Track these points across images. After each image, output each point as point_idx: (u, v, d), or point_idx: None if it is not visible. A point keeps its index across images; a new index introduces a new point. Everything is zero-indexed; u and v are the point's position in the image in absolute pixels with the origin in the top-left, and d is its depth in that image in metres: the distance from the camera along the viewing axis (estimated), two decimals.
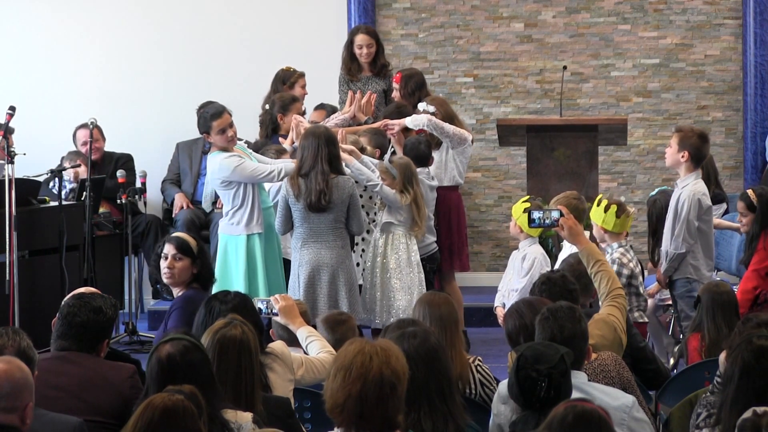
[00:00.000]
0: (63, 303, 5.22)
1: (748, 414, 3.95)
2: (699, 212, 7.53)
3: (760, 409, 3.97)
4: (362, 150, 8.36)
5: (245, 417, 4.39)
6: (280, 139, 8.66)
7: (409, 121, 8.82)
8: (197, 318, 5.24)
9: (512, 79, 11.18)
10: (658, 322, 8.18)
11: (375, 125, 8.90)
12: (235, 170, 7.72)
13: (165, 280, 6.48)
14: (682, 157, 7.59)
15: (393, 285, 8.11)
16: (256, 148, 8.58)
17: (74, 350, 5.03)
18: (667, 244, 7.63)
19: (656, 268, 8.38)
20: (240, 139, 8.12)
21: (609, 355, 5.28)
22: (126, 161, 10.38)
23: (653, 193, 8.32)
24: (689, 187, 7.55)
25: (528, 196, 8.03)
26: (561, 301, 5.17)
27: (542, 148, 8.97)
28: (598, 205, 7.48)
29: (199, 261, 6.47)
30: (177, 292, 6.47)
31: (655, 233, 7.94)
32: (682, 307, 7.50)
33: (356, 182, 7.92)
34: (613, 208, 7.38)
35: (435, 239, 8.66)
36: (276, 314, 5.82)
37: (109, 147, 10.48)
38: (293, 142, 8.31)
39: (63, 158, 10.05)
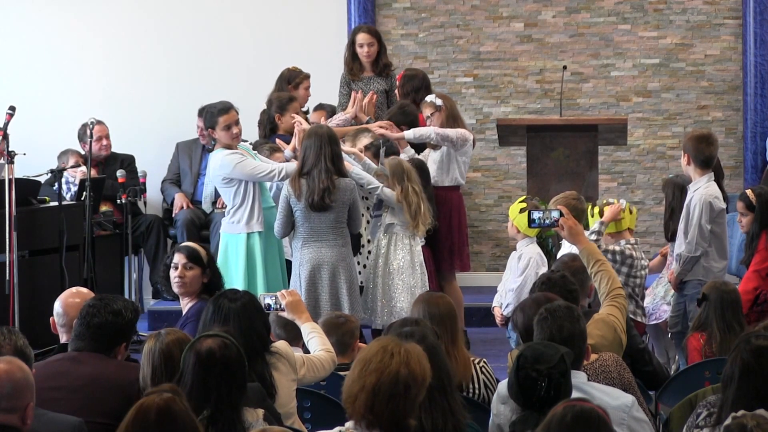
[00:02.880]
0: (84, 304, 5.21)
1: (728, 420, 3.96)
2: (711, 215, 7.51)
3: (740, 413, 3.98)
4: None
5: (257, 414, 4.43)
6: (278, 140, 8.64)
7: (411, 134, 8.79)
8: (204, 316, 5.23)
9: (512, 79, 11.19)
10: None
11: (371, 126, 8.89)
12: (235, 167, 7.75)
13: (176, 290, 6.44)
14: (685, 161, 7.61)
15: (395, 286, 8.11)
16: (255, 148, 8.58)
17: (88, 350, 5.04)
18: (680, 247, 7.63)
19: (654, 267, 8.39)
20: (244, 141, 8.14)
21: (610, 356, 5.28)
22: (129, 162, 10.38)
23: (671, 175, 8.39)
24: (700, 191, 7.53)
25: (524, 197, 8.03)
26: (559, 301, 5.17)
27: (542, 148, 8.97)
28: (592, 216, 7.56)
29: (209, 270, 6.43)
30: (186, 302, 6.42)
31: (669, 206, 8.00)
32: (691, 308, 7.48)
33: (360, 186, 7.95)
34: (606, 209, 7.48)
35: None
36: (283, 309, 5.83)
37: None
38: (295, 149, 8.24)
39: (58, 157, 10.07)
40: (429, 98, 8.89)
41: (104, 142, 10.21)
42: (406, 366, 3.91)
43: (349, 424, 3.98)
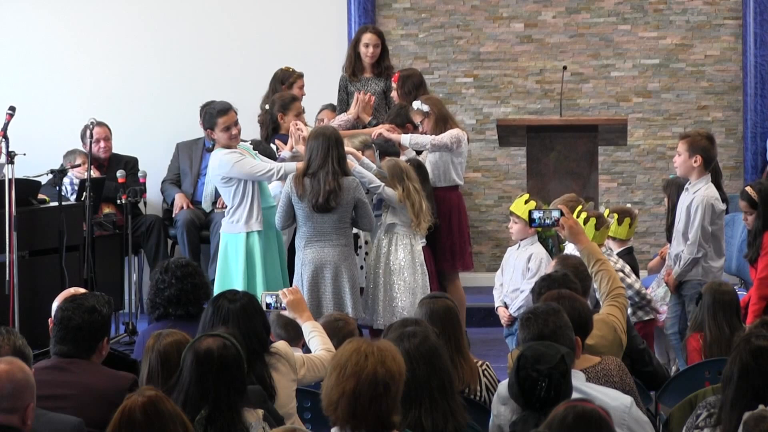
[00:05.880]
0: (57, 307, 5.21)
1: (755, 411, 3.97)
2: (712, 217, 7.51)
3: None
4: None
5: (257, 415, 4.43)
6: (278, 141, 8.65)
7: (407, 140, 8.78)
8: (204, 317, 5.22)
9: (512, 79, 11.19)
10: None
11: (372, 130, 8.91)
12: (234, 166, 7.76)
13: None
14: (695, 162, 7.53)
15: (396, 286, 8.12)
16: (260, 149, 8.57)
17: (74, 356, 5.03)
18: (677, 248, 7.61)
19: (653, 267, 8.37)
20: (244, 140, 8.14)
21: (612, 360, 5.28)
22: (132, 165, 10.37)
23: (672, 176, 8.37)
24: (701, 192, 7.51)
25: (527, 195, 8.02)
26: (537, 304, 5.17)
27: (542, 149, 8.97)
28: (577, 216, 7.50)
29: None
30: None
31: (673, 207, 7.96)
32: (690, 308, 7.46)
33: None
34: (592, 221, 7.36)
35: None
36: (284, 308, 5.82)
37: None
38: (292, 148, 8.30)
39: (64, 156, 10.08)
40: (415, 105, 8.84)
41: (102, 144, 10.18)
42: (383, 365, 3.89)
43: (334, 430, 3.96)
